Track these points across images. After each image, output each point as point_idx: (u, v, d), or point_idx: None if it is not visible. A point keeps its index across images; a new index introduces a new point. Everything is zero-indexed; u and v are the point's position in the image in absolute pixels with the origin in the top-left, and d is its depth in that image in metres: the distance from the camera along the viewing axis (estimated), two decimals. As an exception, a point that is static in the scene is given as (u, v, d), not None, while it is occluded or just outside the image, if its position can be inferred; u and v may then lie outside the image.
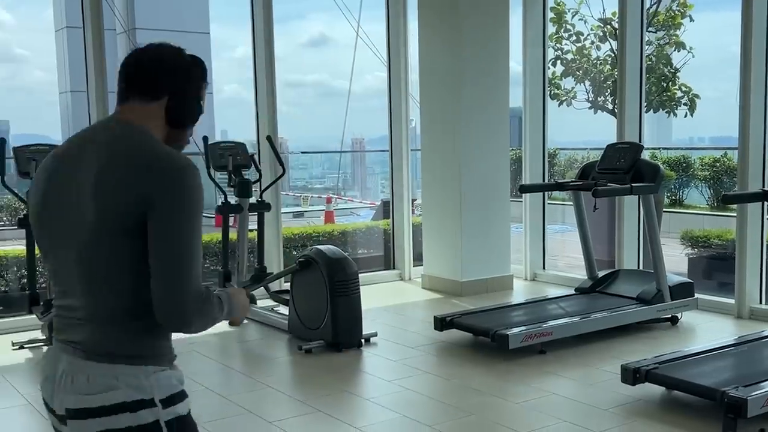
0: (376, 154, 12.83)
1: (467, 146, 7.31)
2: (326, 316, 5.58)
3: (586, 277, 6.69)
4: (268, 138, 6.87)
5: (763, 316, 6.20)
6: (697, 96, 10.70)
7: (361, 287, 5.73)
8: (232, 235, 6.70)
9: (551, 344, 5.45)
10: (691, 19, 10.51)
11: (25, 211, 5.51)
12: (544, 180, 8.01)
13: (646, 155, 6.61)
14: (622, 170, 5.98)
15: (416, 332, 6.13)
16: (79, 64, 6.69)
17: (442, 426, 4.18)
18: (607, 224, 7.56)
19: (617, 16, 7.75)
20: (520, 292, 7.50)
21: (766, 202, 6.10)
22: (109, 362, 1.85)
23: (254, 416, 4.39)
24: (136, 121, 1.91)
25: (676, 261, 8.15)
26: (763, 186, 6.11)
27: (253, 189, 6.59)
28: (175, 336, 1.96)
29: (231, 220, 6.74)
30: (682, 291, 6.15)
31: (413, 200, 8.47)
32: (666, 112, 10.84)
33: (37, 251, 5.83)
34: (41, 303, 5.74)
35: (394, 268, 8.34)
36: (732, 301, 6.38)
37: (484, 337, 5.52)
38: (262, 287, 6.61)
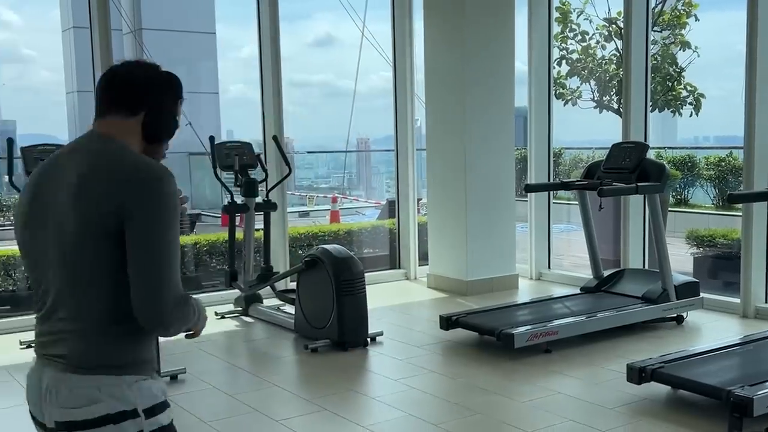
0: (381, 154, 12.86)
1: (473, 146, 7.32)
2: (332, 315, 5.59)
3: (591, 277, 6.69)
4: (275, 138, 6.89)
5: (768, 315, 6.21)
6: (702, 95, 10.67)
7: (366, 286, 5.75)
8: (239, 234, 6.72)
9: (557, 343, 5.46)
10: (697, 19, 10.49)
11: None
12: (549, 179, 8.02)
13: (651, 155, 6.60)
14: (628, 170, 5.98)
15: (422, 331, 6.14)
16: (85, 65, 6.72)
17: (447, 425, 4.19)
18: (612, 224, 7.57)
19: (622, 15, 7.75)
20: (525, 292, 7.51)
21: (771, 202, 6.09)
22: (92, 374, 1.88)
23: (261, 415, 4.41)
24: (117, 136, 1.96)
25: (681, 260, 8.15)
26: (769, 185, 6.11)
27: (260, 188, 6.61)
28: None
29: (237, 219, 6.75)
30: (688, 290, 6.15)
31: (419, 200, 8.48)
32: (671, 112, 10.82)
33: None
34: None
35: (399, 268, 8.36)
36: (737, 300, 6.37)
37: (489, 336, 5.53)
38: (269, 286, 6.63)
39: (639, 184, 5.86)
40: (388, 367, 5.34)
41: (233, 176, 6.50)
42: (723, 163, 10.82)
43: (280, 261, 7.26)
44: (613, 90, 10.90)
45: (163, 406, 1.95)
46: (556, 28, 10.07)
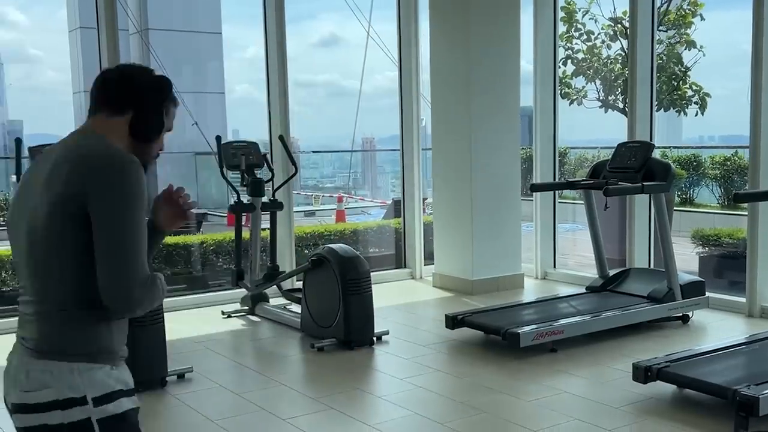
0: (386, 154, 12.86)
1: (478, 145, 7.34)
2: (338, 315, 5.61)
3: (596, 276, 6.69)
4: (281, 137, 6.91)
5: (774, 314, 6.21)
6: (707, 95, 10.68)
7: (372, 286, 5.76)
8: (245, 233, 6.73)
9: (562, 343, 5.47)
10: (702, 18, 10.50)
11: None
12: (554, 179, 8.02)
13: (656, 154, 6.61)
14: (633, 169, 5.99)
15: (428, 330, 6.16)
16: (92, 65, 6.75)
17: (453, 423, 4.20)
18: (618, 223, 7.57)
19: (628, 15, 7.76)
20: (530, 291, 7.52)
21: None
22: (47, 358, 1.93)
23: (267, 413, 4.42)
24: (99, 131, 2.03)
25: (687, 260, 8.14)
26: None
27: (266, 188, 6.63)
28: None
29: (243, 219, 6.77)
30: (693, 290, 6.15)
31: (424, 199, 8.49)
32: (676, 111, 10.82)
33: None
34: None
35: (405, 267, 8.37)
36: (743, 299, 6.38)
37: (495, 335, 5.54)
38: (275, 285, 6.65)
39: (644, 183, 5.87)
40: (394, 366, 5.35)
41: (239, 176, 6.51)
42: (728, 163, 10.81)
43: (287, 260, 7.28)
44: (619, 89, 10.91)
45: (119, 395, 1.98)
46: (562, 28, 10.10)
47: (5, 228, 2.13)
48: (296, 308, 6.35)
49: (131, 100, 2.06)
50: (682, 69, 10.77)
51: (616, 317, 5.81)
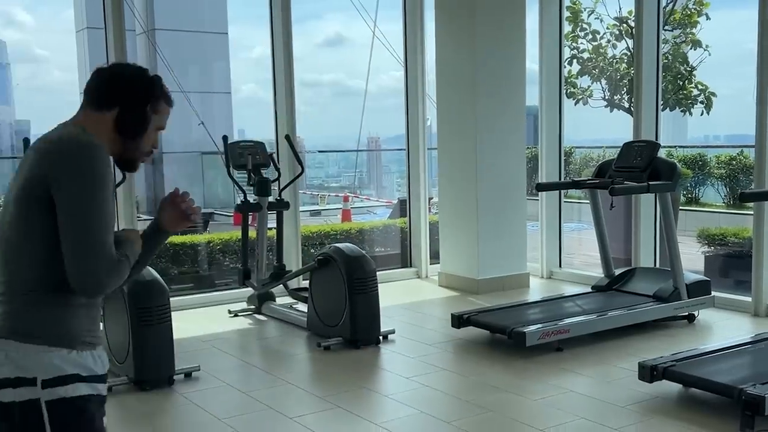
0: (391, 153, 12.87)
1: (484, 145, 7.35)
2: (345, 314, 5.63)
3: (602, 275, 6.70)
4: (287, 137, 6.93)
5: (780, 314, 6.21)
6: (713, 94, 10.67)
7: (378, 285, 5.78)
8: (252, 233, 6.75)
9: (568, 342, 5.48)
10: (708, 18, 10.48)
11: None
12: (560, 178, 8.04)
13: (662, 153, 6.61)
14: (639, 168, 6.00)
15: (434, 329, 6.17)
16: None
17: (460, 422, 4.22)
18: (623, 222, 7.57)
19: (633, 14, 7.76)
20: (536, 290, 7.53)
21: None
22: (5, 338, 1.98)
23: (274, 412, 4.44)
24: (81, 123, 2.08)
25: (692, 259, 8.14)
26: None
27: (272, 188, 6.65)
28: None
29: (250, 218, 6.79)
30: (699, 289, 6.16)
31: (430, 199, 8.50)
32: (682, 111, 10.81)
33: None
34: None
35: (411, 266, 8.39)
36: (749, 298, 6.38)
37: (501, 334, 5.55)
38: (281, 285, 6.67)
39: (650, 182, 5.87)
40: (400, 364, 5.37)
41: (246, 175, 6.53)
42: (734, 162, 10.79)
43: (293, 259, 7.30)
44: (624, 89, 10.90)
45: (72, 379, 2.00)
46: (567, 28, 10.08)
47: None
48: (303, 307, 6.37)
49: (117, 96, 2.11)
50: (688, 68, 10.76)
51: (622, 316, 5.82)
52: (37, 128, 10.96)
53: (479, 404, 4.49)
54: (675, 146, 11.02)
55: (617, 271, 6.64)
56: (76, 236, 1.94)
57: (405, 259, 8.51)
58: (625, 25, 10.53)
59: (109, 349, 5.08)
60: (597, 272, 7.05)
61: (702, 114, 10.77)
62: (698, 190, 11.36)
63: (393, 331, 5.93)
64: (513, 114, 7.51)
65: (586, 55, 10.99)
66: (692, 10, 10.59)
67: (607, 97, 11.07)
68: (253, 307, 6.76)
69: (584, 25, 10.87)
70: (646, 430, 4.09)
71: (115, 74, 2.15)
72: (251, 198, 6.54)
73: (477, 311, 5.99)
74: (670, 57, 10.58)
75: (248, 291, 6.82)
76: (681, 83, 10.74)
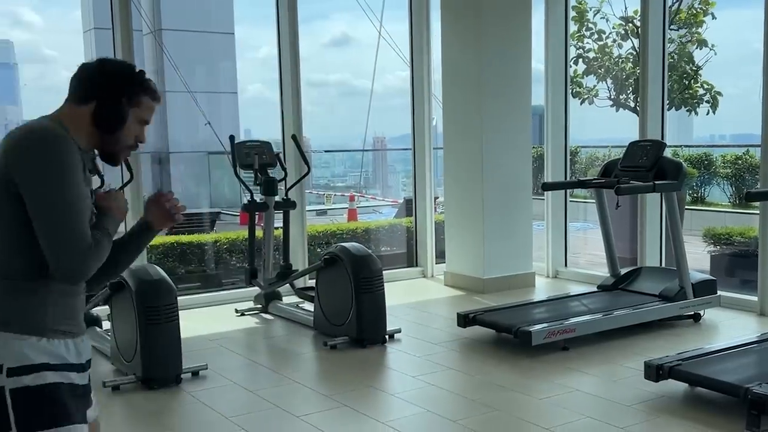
0: (397, 153, 12.88)
1: (489, 144, 7.36)
2: (351, 313, 5.65)
3: (608, 275, 6.71)
4: (294, 137, 6.95)
5: (786, 313, 6.21)
6: (719, 93, 10.67)
7: (384, 284, 5.79)
8: (258, 232, 6.77)
9: (574, 341, 5.49)
10: (714, 17, 10.48)
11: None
12: (566, 178, 8.04)
13: (668, 153, 6.62)
14: (645, 168, 6.00)
15: (439, 329, 6.19)
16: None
17: (466, 421, 4.23)
18: (629, 222, 7.58)
19: (639, 14, 7.75)
20: (542, 290, 7.54)
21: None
22: None
23: (281, 411, 4.46)
24: (60, 116, 2.11)
25: (698, 258, 8.14)
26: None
27: (279, 187, 6.66)
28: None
29: (257, 217, 6.81)
30: (705, 288, 6.16)
31: (435, 198, 8.52)
32: (687, 110, 10.81)
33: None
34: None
35: (416, 266, 8.41)
36: (755, 298, 6.38)
37: (507, 333, 5.56)
38: (288, 284, 6.69)
39: (656, 182, 5.88)
40: (406, 363, 5.38)
41: (253, 175, 6.54)
42: (740, 161, 10.79)
43: (299, 259, 7.33)
44: (630, 88, 10.90)
45: (39, 368, 2.01)
46: (573, 27, 10.09)
47: None
48: (309, 306, 6.39)
49: (94, 90, 2.12)
50: (694, 68, 10.75)
51: (628, 316, 5.82)
52: (44, 128, 10.97)
53: (485, 403, 4.50)
54: (681, 146, 11.03)
55: (623, 271, 6.65)
56: (47, 228, 1.98)
57: (411, 259, 8.52)
58: (630, 24, 10.53)
59: (117, 348, 5.11)
60: (603, 272, 7.05)
61: (708, 113, 10.78)
62: (704, 190, 11.36)
63: (399, 330, 5.95)
64: (519, 114, 7.52)
65: (591, 55, 10.99)
66: (698, 9, 10.58)
67: (612, 97, 11.07)
68: (259, 306, 6.79)
69: (590, 25, 10.88)
70: (652, 430, 4.10)
71: (94, 69, 2.17)
72: (258, 197, 6.56)
73: (483, 310, 6.00)
74: (675, 56, 10.58)
75: (255, 290, 6.84)
76: (687, 83, 10.74)
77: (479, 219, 7.44)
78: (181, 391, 4.84)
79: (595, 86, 11.03)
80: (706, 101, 10.74)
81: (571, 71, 8.46)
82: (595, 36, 10.90)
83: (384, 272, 5.86)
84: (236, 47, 11.21)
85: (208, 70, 11.39)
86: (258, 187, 6.52)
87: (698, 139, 12.33)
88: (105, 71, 2.15)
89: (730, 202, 11.02)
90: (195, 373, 5.07)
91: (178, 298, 5.02)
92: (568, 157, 8.14)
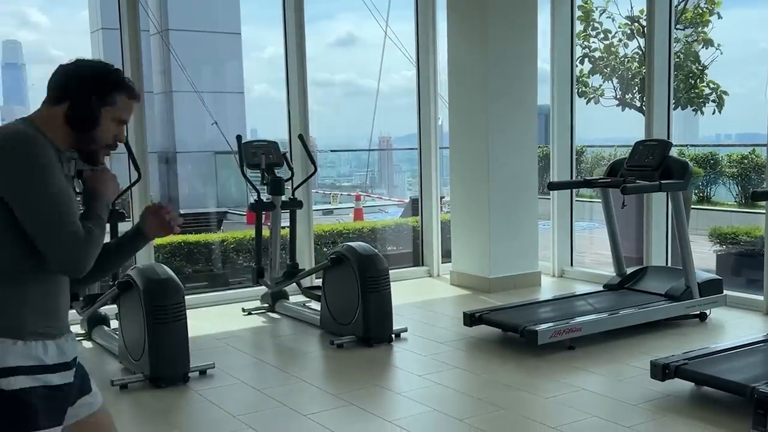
0: (402, 152, 12.91)
1: (495, 144, 7.37)
2: (357, 312, 5.66)
3: (613, 274, 6.71)
4: (300, 137, 6.97)
5: (792, 313, 6.21)
6: (725, 93, 10.66)
7: (390, 283, 5.80)
8: (265, 232, 6.79)
9: (580, 340, 5.49)
10: (720, 17, 10.47)
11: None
12: (571, 177, 8.05)
13: (673, 152, 6.62)
14: (651, 167, 6.00)
15: (445, 328, 6.20)
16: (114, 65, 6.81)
17: (472, 420, 4.24)
18: (635, 221, 7.58)
19: (645, 13, 7.76)
20: (548, 289, 7.54)
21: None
22: None
23: (288, 409, 4.48)
24: (34, 119, 2.13)
25: (704, 258, 8.14)
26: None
27: (285, 187, 6.68)
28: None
29: (263, 217, 6.82)
30: (711, 288, 6.16)
31: (441, 198, 8.53)
32: (693, 110, 10.81)
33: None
34: (81, 298, 5.87)
35: (422, 265, 8.42)
36: (761, 297, 6.38)
37: (512, 332, 5.57)
38: (295, 283, 6.71)
39: (662, 181, 5.88)
40: (412, 362, 5.40)
41: (259, 175, 6.56)
42: (745, 161, 10.78)
43: (306, 258, 7.34)
44: (636, 88, 10.90)
45: (10, 371, 2.02)
46: (579, 27, 10.10)
47: None
48: (316, 305, 6.41)
49: (66, 90, 2.14)
50: (700, 67, 10.75)
51: (634, 315, 5.83)
52: (51, 128, 11.01)
53: (491, 402, 4.51)
54: (686, 145, 11.02)
55: (629, 270, 6.65)
56: (38, 228, 2.01)
57: (417, 258, 8.54)
58: (636, 24, 10.53)
59: (125, 347, 5.14)
60: (608, 271, 7.06)
61: (714, 113, 10.77)
62: (710, 189, 11.35)
63: (405, 330, 5.96)
64: (525, 113, 7.52)
65: (597, 54, 10.99)
66: (704, 9, 10.58)
67: (618, 96, 11.07)
68: (266, 305, 6.81)
69: (596, 24, 10.88)
70: (658, 429, 4.11)
71: (69, 69, 2.18)
72: (265, 197, 6.57)
73: (489, 310, 6.00)
74: (681, 56, 10.57)
75: (262, 289, 6.86)
76: (693, 82, 10.73)
77: (485, 218, 7.45)
78: (189, 389, 4.86)
79: (600, 86, 11.03)
80: (712, 101, 10.74)
81: (577, 71, 8.47)
82: (601, 35, 10.90)
83: (390, 271, 5.87)
84: (243, 47, 11.27)
85: (214, 70, 11.43)
86: (265, 187, 6.54)
87: (704, 138, 12.32)
88: (77, 71, 2.17)
89: (736, 201, 11.01)
90: (202, 372, 5.09)
91: (186, 297, 5.04)
92: (574, 157, 8.14)
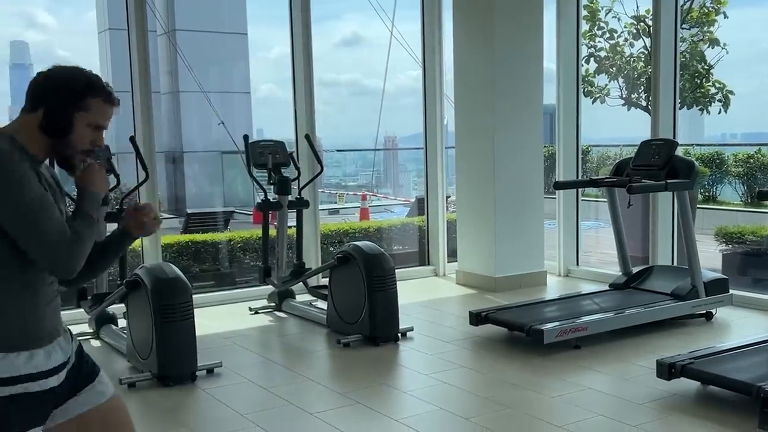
0: (408, 152, 12.92)
1: (501, 144, 7.38)
2: (364, 311, 5.68)
3: (619, 273, 6.72)
4: (307, 136, 6.99)
5: (798, 312, 6.21)
6: (731, 92, 10.65)
7: (397, 282, 5.82)
8: (272, 231, 6.82)
9: (586, 339, 5.50)
10: (725, 16, 10.46)
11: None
12: (577, 177, 8.06)
13: (679, 152, 6.62)
14: (657, 167, 6.01)
15: (451, 327, 6.21)
16: (120, 65, 6.85)
17: (479, 419, 4.26)
18: (641, 220, 7.58)
19: (651, 13, 7.76)
20: (553, 288, 7.55)
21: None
22: None
23: (295, 408, 4.49)
24: (11, 127, 2.16)
25: (710, 257, 8.14)
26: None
27: (292, 186, 6.70)
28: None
29: (270, 216, 6.85)
30: (717, 287, 6.16)
31: (447, 197, 8.55)
32: (699, 109, 10.80)
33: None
34: (89, 297, 5.91)
35: (428, 264, 8.44)
36: (767, 296, 6.38)
37: (519, 332, 5.58)
38: (301, 282, 6.73)
39: (668, 181, 5.88)
40: (418, 361, 5.41)
41: (266, 174, 6.58)
42: (751, 160, 10.77)
43: (312, 257, 7.36)
44: (641, 87, 10.89)
45: None
46: (585, 26, 10.09)
47: None
48: (322, 305, 6.43)
49: (42, 96, 2.15)
50: (705, 67, 10.74)
51: (640, 314, 5.83)
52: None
53: (498, 401, 4.52)
54: (692, 144, 11.01)
55: (635, 269, 6.66)
56: (24, 238, 2.05)
57: (423, 257, 8.55)
58: (642, 23, 10.53)
59: (133, 346, 5.17)
60: (614, 270, 7.06)
61: (719, 112, 10.76)
62: (716, 189, 11.34)
63: (411, 329, 5.98)
64: (531, 113, 7.54)
65: (603, 54, 10.99)
66: (710, 8, 10.56)
67: (624, 96, 11.07)
68: (273, 304, 6.83)
69: (602, 24, 10.87)
70: (664, 428, 4.11)
71: (43, 76, 2.19)
72: (271, 197, 6.59)
73: (495, 309, 6.02)
74: (687, 55, 10.56)
75: (269, 288, 6.88)
76: (698, 81, 10.72)
77: (491, 218, 7.47)
78: (196, 388, 4.88)
79: (606, 85, 11.03)
80: (717, 100, 10.73)
81: (582, 70, 8.46)
82: (607, 35, 10.89)
83: (396, 271, 5.89)
84: (249, 47, 11.30)
85: (221, 71, 11.46)
86: (271, 187, 6.56)
87: (710, 137, 12.32)
88: (51, 77, 2.18)
89: (741, 200, 11.01)
90: (210, 371, 5.12)
91: (193, 296, 5.06)
92: (580, 156, 8.15)
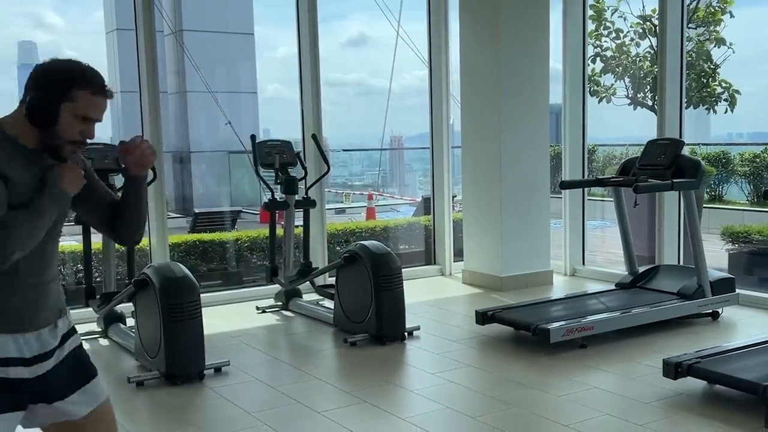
0: (414, 152, 12.93)
1: (507, 143, 7.39)
2: (370, 310, 5.70)
3: (625, 273, 6.72)
4: (314, 136, 7.01)
5: (804, 312, 6.20)
6: (737, 91, 10.65)
7: (403, 282, 5.83)
8: (279, 231, 6.83)
9: (592, 339, 5.51)
10: (732, 15, 10.46)
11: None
12: (583, 176, 8.06)
13: (685, 151, 6.62)
14: (663, 166, 6.01)
15: (458, 326, 6.23)
16: (128, 65, 6.87)
17: (485, 418, 4.27)
18: (647, 220, 7.59)
19: (657, 12, 7.76)
20: (559, 287, 7.56)
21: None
22: None
23: (303, 406, 4.51)
24: (8, 118, 2.20)
25: (716, 257, 8.14)
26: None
27: (299, 186, 6.72)
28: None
29: (277, 216, 6.87)
30: (723, 286, 6.16)
31: (453, 197, 8.56)
32: (706, 109, 10.79)
33: (92, 246, 6.04)
34: (97, 296, 5.94)
35: (435, 264, 8.45)
36: (773, 296, 6.38)
37: (525, 331, 5.59)
38: (308, 282, 6.75)
39: (674, 180, 5.88)
40: (425, 360, 5.42)
41: (273, 174, 6.60)
42: (758, 159, 10.76)
43: (319, 257, 7.39)
44: (648, 87, 10.90)
45: None
46: (591, 26, 10.10)
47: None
48: (329, 304, 6.45)
49: (32, 87, 2.18)
50: (712, 66, 10.74)
51: (646, 314, 5.83)
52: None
53: (504, 400, 4.53)
54: (699, 144, 11.01)
55: (641, 269, 6.65)
56: None
57: (429, 257, 8.56)
58: (648, 23, 10.53)
59: (141, 344, 5.19)
60: (620, 270, 7.07)
61: (726, 112, 10.75)
62: (722, 188, 11.33)
63: (418, 328, 5.99)
64: (537, 113, 7.54)
65: (609, 53, 10.99)
66: (716, 8, 10.57)
67: (630, 95, 11.07)
68: (280, 303, 6.85)
69: (608, 24, 10.89)
70: (671, 427, 4.12)
71: (38, 68, 2.21)
72: (278, 196, 6.61)
73: (501, 308, 6.02)
74: (693, 55, 10.56)
75: (276, 288, 6.90)
76: (705, 81, 10.72)
77: (497, 217, 7.48)
78: (204, 387, 4.91)
79: (612, 85, 11.04)
80: (724, 99, 10.73)
81: (588, 70, 8.47)
82: (613, 35, 10.90)
83: (402, 270, 5.90)
84: (256, 47, 11.31)
85: (228, 70, 11.48)
86: (278, 186, 6.58)
87: (716, 137, 12.31)
88: (43, 69, 2.21)
89: (748, 200, 11.00)
90: (218, 370, 5.14)
91: (201, 295, 5.08)
92: (586, 156, 8.15)
